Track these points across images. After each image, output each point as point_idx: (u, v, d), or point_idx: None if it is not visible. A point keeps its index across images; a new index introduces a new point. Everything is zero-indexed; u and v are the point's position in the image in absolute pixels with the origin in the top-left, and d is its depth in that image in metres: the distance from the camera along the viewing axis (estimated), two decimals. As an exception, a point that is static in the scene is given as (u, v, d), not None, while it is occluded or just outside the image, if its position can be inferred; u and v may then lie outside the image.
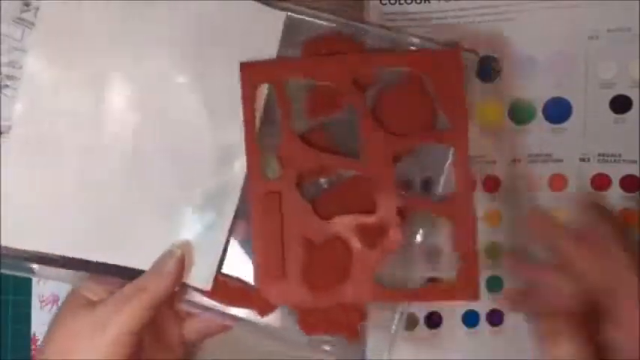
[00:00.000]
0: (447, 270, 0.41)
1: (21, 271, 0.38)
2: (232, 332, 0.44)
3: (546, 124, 0.43)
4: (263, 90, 0.37)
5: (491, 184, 0.43)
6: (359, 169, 0.36)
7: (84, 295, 0.37)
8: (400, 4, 0.43)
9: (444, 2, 0.42)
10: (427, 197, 0.37)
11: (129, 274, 0.37)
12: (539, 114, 0.43)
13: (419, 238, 0.38)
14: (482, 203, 0.43)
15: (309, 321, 0.37)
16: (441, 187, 0.37)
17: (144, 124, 0.37)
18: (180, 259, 0.36)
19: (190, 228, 0.37)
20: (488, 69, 0.43)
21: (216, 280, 0.37)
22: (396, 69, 0.36)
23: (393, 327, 0.38)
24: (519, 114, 0.43)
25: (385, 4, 0.43)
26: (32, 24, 0.37)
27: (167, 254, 0.37)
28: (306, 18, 0.37)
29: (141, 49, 0.37)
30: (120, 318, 0.34)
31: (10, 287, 0.46)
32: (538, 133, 0.43)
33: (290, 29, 0.37)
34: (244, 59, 0.36)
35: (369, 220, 0.36)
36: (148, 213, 0.37)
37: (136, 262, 0.37)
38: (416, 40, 0.37)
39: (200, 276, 0.37)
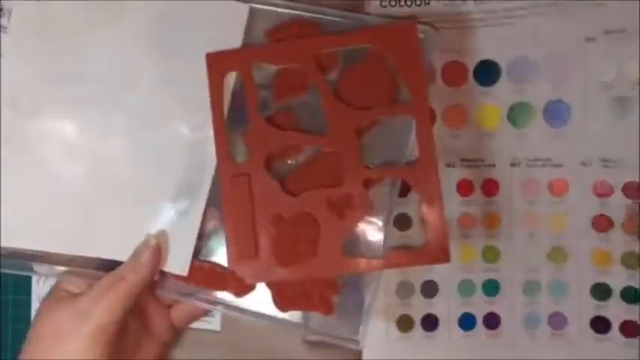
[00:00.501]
0: (414, 237, 0.43)
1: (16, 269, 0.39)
2: (233, 333, 0.44)
3: (546, 128, 0.43)
4: (230, 78, 0.38)
5: (490, 188, 0.43)
6: (324, 144, 0.37)
7: (65, 288, 0.38)
8: (400, 6, 0.43)
9: (442, 5, 0.42)
10: (392, 167, 0.38)
11: (108, 266, 0.38)
12: (539, 117, 0.43)
13: (387, 207, 0.38)
14: (480, 207, 0.43)
15: (283, 297, 0.38)
16: (406, 158, 0.38)
17: (116, 122, 0.39)
18: (155, 248, 0.38)
19: (165, 217, 0.39)
20: (487, 72, 0.43)
21: (192, 265, 0.39)
22: (358, 47, 0.37)
23: (367, 302, 0.38)
24: (519, 117, 0.43)
25: (385, 7, 0.43)
26: (6, 28, 0.39)
27: (143, 244, 0.38)
28: (268, 8, 0.39)
29: (110, 47, 0.39)
30: (100, 308, 0.36)
31: (9, 287, 0.46)
32: (538, 137, 0.43)
33: (253, 19, 0.39)
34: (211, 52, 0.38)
35: (336, 193, 0.37)
36: (123, 206, 0.39)
37: (115, 254, 0.39)
38: (374, 19, 0.39)
39: (176, 263, 0.39)
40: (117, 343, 0.36)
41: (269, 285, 0.38)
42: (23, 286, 0.46)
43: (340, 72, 0.38)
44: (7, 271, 0.39)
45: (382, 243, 0.38)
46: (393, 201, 0.38)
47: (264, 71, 0.38)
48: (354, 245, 0.37)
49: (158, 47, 0.39)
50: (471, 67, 0.43)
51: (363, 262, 0.37)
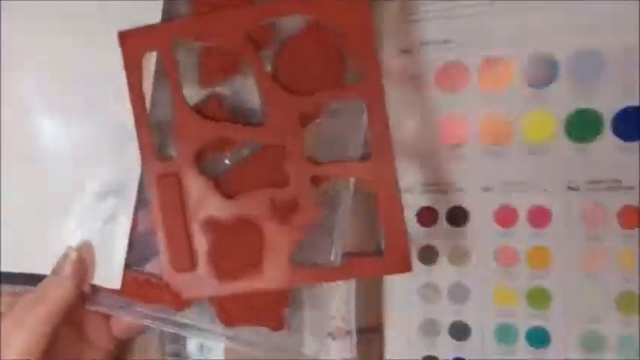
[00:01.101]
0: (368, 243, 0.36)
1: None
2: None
3: (615, 141, 0.34)
4: (150, 59, 0.34)
5: (539, 218, 0.35)
6: (263, 137, 0.33)
7: None
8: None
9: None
10: (343, 163, 0.33)
11: (32, 281, 0.35)
12: (607, 128, 0.34)
13: (340, 208, 0.34)
14: (527, 240, 0.36)
15: (228, 312, 0.34)
16: (359, 150, 0.33)
17: (28, 114, 0.35)
18: (77, 261, 0.35)
19: (92, 225, 0.35)
20: (539, 72, 0.35)
21: (125, 276, 0.35)
22: (296, 19, 0.32)
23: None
24: (580, 128, 0.34)
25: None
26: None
27: (62, 258, 0.35)
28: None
29: (24, 33, 0.35)
30: (23, 332, 0.33)
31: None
32: (604, 153, 0.34)
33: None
34: (127, 28, 0.33)
35: (281, 194, 0.33)
36: (42, 212, 0.36)
37: (37, 267, 0.36)
38: None
39: (107, 275, 0.35)
40: (50, 353, 0.34)
41: (210, 299, 0.34)
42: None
43: (276, 49, 0.33)
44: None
45: (336, 250, 0.33)
46: (347, 201, 0.33)
47: (189, 50, 0.34)
48: (303, 253, 0.33)
49: (70, 30, 0.34)
50: (519, 65, 0.35)
51: (314, 273, 0.33)
